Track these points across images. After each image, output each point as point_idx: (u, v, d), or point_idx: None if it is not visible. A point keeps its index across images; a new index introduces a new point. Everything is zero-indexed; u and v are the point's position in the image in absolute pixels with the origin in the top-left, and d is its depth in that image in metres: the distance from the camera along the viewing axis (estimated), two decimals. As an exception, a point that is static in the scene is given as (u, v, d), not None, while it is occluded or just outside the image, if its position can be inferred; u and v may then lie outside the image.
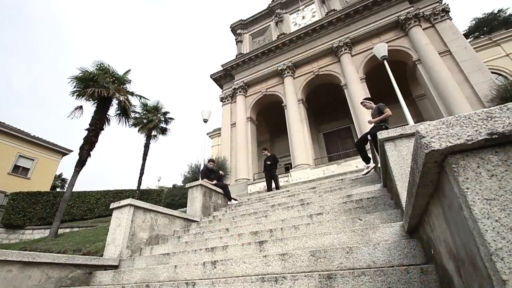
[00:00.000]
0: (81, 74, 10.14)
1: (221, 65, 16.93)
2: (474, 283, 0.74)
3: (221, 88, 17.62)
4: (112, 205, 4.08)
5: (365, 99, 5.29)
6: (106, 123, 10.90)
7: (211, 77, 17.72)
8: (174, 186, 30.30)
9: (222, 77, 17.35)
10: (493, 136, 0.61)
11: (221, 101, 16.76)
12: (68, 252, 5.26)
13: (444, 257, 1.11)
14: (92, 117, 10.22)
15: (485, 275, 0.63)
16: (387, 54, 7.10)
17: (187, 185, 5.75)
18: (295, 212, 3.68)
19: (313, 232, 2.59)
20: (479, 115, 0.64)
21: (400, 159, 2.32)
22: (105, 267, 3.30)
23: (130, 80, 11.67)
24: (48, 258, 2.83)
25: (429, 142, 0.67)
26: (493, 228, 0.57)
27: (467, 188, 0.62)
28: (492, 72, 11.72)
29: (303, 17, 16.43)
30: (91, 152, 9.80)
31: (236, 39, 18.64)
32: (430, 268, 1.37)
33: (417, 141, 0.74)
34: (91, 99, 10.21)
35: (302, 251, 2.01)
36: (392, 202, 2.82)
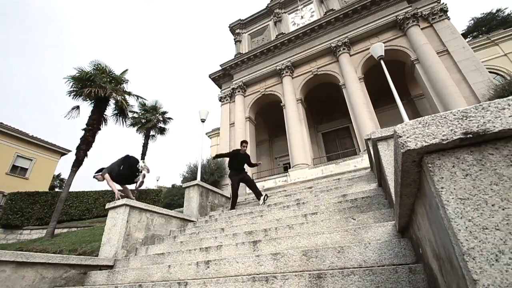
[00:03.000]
0: (78, 74, 10.10)
1: (220, 65, 16.89)
2: (453, 282, 0.74)
3: (220, 88, 17.59)
4: (107, 205, 4.07)
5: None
6: (103, 123, 10.85)
7: (209, 77, 17.68)
8: (173, 186, 30.23)
9: (221, 77, 17.31)
10: (468, 136, 0.61)
11: (220, 100, 16.73)
12: (64, 252, 5.25)
13: (429, 256, 1.11)
14: (89, 117, 10.17)
15: (460, 275, 0.62)
16: (383, 54, 7.09)
17: (184, 185, 5.75)
18: (291, 211, 3.68)
19: (307, 232, 2.59)
20: (454, 115, 0.64)
21: (393, 158, 2.32)
22: (100, 267, 3.30)
23: (128, 80, 11.62)
24: (42, 258, 2.82)
25: (405, 141, 0.67)
26: (466, 227, 0.57)
27: (442, 188, 0.62)
28: (490, 72, 11.75)
29: (302, 17, 16.41)
30: (88, 152, 9.77)
31: (234, 39, 18.61)
32: (419, 268, 1.37)
33: (395, 141, 0.74)
34: (88, 99, 10.16)
35: (295, 250, 2.01)
36: (386, 201, 2.82)
